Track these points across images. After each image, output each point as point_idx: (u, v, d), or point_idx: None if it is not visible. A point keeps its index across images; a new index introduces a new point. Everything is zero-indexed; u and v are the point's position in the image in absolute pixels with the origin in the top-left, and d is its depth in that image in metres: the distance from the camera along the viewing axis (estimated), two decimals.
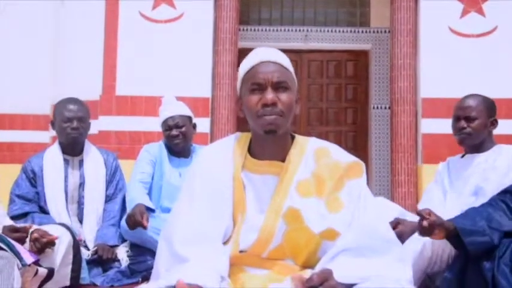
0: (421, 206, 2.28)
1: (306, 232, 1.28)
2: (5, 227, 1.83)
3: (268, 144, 1.34)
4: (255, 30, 6.11)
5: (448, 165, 2.32)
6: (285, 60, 1.35)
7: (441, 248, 1.88)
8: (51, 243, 1.90)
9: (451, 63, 4.91)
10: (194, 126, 2.79)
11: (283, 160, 1.34)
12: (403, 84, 5.01)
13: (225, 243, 1.31)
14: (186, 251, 1.23)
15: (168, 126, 2.69)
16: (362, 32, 6.12)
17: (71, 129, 2.50)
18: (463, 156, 2.27)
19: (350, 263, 1.18)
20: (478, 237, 1.72)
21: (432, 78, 4.94)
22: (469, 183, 2.13)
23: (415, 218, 2.19)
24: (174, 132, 2.67)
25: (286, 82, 1.31)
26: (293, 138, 1.39)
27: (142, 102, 4.96)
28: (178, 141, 2.68)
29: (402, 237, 1.86)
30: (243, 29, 5.93)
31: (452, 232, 1.75)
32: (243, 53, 6.16)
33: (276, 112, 1.28)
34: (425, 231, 1.73)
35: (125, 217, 2.47)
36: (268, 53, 1.34)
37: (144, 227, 2.32)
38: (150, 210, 2.48)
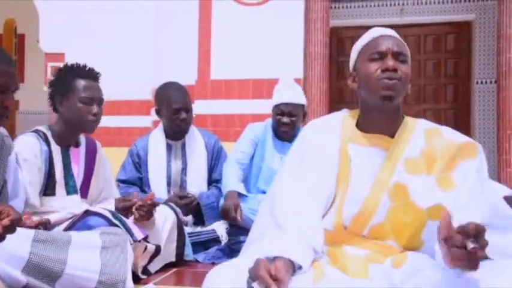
0: None
1: (411, 208, 1.24)
2: (115, 199, 1.98)
3: (378, 118, 1.33)
4: (347, 7, 5.93)
5: None
6: (403, 41, 1.38)
7: None
8: (154, 206, 2.00)
9: None
10: (305, 114, 2.72)
11: (391, 135, 1.33)
12: None
13: (324, 214, 1.31)
14: (285, 218, 1.24)
15: (281, 111, 2.61)
16: (464, 1, 5.69)
17: (180, 121, 2.56)
18: None
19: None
20: None
21: None
22: None
23: None
24: (285, 119, 2.60)
25: (405, 55, 1.33)
26: (403, 118, 1.37)
27: (235, 86, 5.06)
28: (287, 129, 2.62)
29: None
30: (335, 7, 5.79)
31: None
32: (334, 32, 6.01)
33: (397, 77, 1.29)
34: None
35: (222, 200, 2.53)
36: (388, 30, 1.38)
37: (237, 223, 2.33)
38: (243, 195, 2.50)
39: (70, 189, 1.94)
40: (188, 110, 2.58)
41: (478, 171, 1.24)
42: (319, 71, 4.92)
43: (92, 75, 1.98)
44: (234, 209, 2.36)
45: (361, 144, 1.34)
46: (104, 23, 5.48)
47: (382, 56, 1.32)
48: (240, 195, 2.48)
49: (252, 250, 1.19)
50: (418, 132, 1.33)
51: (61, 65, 2.08)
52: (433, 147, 1.29)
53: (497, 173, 4.82)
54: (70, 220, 1.78)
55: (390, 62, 1.29)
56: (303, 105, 2.68)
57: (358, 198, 1.29)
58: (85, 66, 2.00)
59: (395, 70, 1.29)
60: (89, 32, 5.50)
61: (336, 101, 5.80)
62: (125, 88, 5.34)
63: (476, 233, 0.95)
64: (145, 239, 1.85)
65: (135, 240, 1.74)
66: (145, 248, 1.87)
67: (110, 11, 5.50)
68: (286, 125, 2.62)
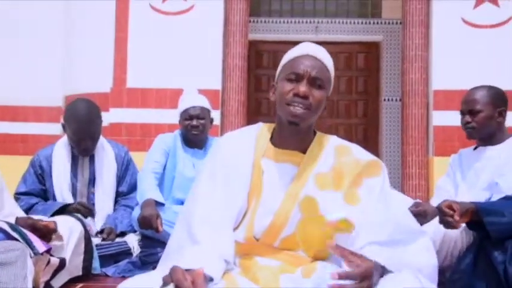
0: (433, 202, 2.25)
1: (319, 221, 1.29)
2: (18, 219, 1.84)
3: (291, 134, 1.36)
4: (265, 22, 6.08)
5: (460, 157, 2.29)
6: (328, 61, 1.38)
7: (453, 242, 1.87)
8: (51, 232, 1.87)
9: (463, 54, 4.85)
10: (211, 120, 2.80)
11: (303, 151, 1.37)
12: (415, 76, 4.97)
13: (236, 227, 1.33)
14: (201, 232, 1.25)
15: (190, 115, 2.67)
16: (373, 23, 6.07)
17: (82, 149, 2.49)
18: (475, 149, 2.24)
19: (378, 252, 1.19)
20: (498, 217, 1.70)
21: (444, 70, 4.89)
22: (481, 177, 2.10)
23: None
24: (195, 122, 2.66)
25: (322, 80, 1.33)
26: (315, 133, 1.42)
27: (152, 95, 4.97)
28: (197, 132, 2.68)
29: (427, 217, 1.89)
30: (253, 21, 5.91)
31: (474, 214, 1.73)
32: (253, 45, 6.14)
33: (306, 105, 1.30)
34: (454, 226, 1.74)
35: (137, 209, 2.48)
36: (316, 49, 1.38)
37: (158, 232, 2.31)
38: (160, 204, 2.49)
39: None
40: (92, 138, 2.49)
41: (381, 188, 1.32)
42: (238, 82, 4.98)
43: None
44: (155, 218, 2.33)
45: (274, 159, 1.37)
46: (9, 22, 5.15)
47: (298, 78, 1.32)
48: (156, 203, 2.45)
49: (165, 265, 1.18)
50: (329, 148, 1.38)
51: None
52: (341, 164, 1.35)
53: (401, 185, 5.14)
54: None
55: (302, 88, 1.30)
56: (209, 110, 2.76)
57: (269, 211, 1.32)
58: None
59: (305, 97, 1.30)
60: None
61: (253, 112, 5.90)
62: (32, 93, 5.05)
63: (363, 277, 1.07)
64: (49, 251, 1.73)
65: (36, 253, 1.63)
66: (48, 262, 1.76)
67: (16, 9, 5.18)
68: (196, 127, 2.68)
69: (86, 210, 2.43)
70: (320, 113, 1.36)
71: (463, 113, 2.17)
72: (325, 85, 1.35)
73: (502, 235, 1.69)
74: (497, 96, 2.15)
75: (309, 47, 1.38)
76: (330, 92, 1.40)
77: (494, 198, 1.96)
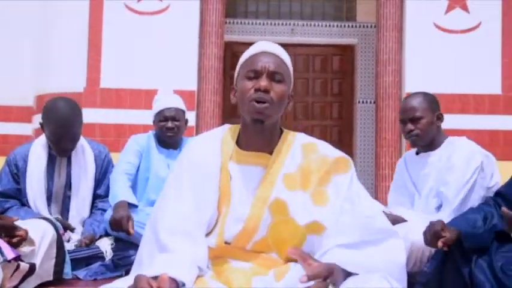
0: (392, 209, 2.25)
1: (290, 224, 1.28)
2: None
3: (256, 135, 1.35)
4: (241, 23, 6.08)
5: (405, 162, 2.34)
6: (286, 56, 1.38)
7: (421, 250, 1.90)
8: (22, 240, 1.81)
9: (435, 58, 4.96)
10: (186, 121, 2.78)
11: (270, 152, 1.35)
12: (388, 79, 5.05)
13: (208, 233, 1.32)
14: (170, 240, 1.23)
15: (164, 117, 2.65)
16: (348, 26, 6.14)
17: (61, 150, 2.40)
18: (417, 153, 2.28)
19: (345, 254, 1.19)
20: (479, 244, 1.70)
21: (417, 73, 4.99)
22: (428, 184, 2.15)
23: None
24: (170, 124, 2.64)
25: (281, 74, 1.32)
26: (281, 132, 1.40)
27: (127, 95, 4.92)
28: (172, 134, 2.66)
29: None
30: (229, 22, 5.91)
31: (457, 237, 1.72)
32: (229, 46, 6.14)
33: (267, 99, 1.28)
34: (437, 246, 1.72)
35: (109, 211, 2.44)
36: (271, 45, 1.38)
37: (129, 234, 2.28)
38: (133, 205, 2.46)
39: None
40: (73, 140, 2.40)
41: (349, 186, 1.32)
42: (213, 84, 4.98)
43: None
44: (126, 220, 2.30)
45: (241, 162, 1.35)
46: None
47: (257, 74, 1.31)
48: (129, 205, 2.42)
49: (137, 272, 1.16)
50: (296, 147, 1.36)
51: None
52: (309, 162, 1.34)
53: (375, 187, 5.22)
54: None
55: (263, 83, 1.29)
56: (184, 111, 2.75)
57: (240, 216, 1.31)
58: None
59: (266, 91, 1.29)
60: None
61: (229, 114, 5.89)
62: (2, 92, 4.94)
63: (329, 272, 1.10)
64: (17, 259, 1.69)
65: (4, 260, 1.59)
66: (18, 267, 1.71)
67: None
68: (171, 129, 2.66)
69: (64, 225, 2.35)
70: (283, 108, 1.35)
71: (404, 122, 2.21)
72: (285, 79, 1.34)
73: (474, 249, 1.72)
74: (433, 101, 2.21)
75: (265, 44, 1.38)
76: (291, 87, 1.39)
77: (443, 209, 2.01)
